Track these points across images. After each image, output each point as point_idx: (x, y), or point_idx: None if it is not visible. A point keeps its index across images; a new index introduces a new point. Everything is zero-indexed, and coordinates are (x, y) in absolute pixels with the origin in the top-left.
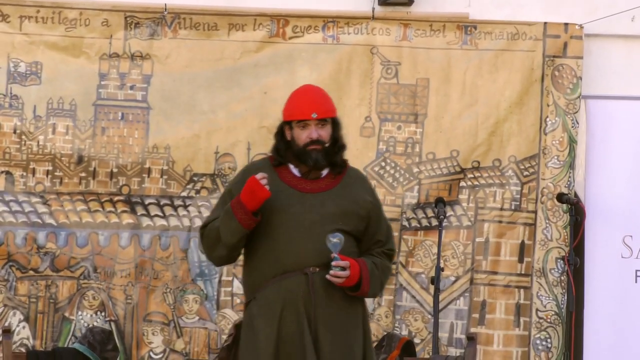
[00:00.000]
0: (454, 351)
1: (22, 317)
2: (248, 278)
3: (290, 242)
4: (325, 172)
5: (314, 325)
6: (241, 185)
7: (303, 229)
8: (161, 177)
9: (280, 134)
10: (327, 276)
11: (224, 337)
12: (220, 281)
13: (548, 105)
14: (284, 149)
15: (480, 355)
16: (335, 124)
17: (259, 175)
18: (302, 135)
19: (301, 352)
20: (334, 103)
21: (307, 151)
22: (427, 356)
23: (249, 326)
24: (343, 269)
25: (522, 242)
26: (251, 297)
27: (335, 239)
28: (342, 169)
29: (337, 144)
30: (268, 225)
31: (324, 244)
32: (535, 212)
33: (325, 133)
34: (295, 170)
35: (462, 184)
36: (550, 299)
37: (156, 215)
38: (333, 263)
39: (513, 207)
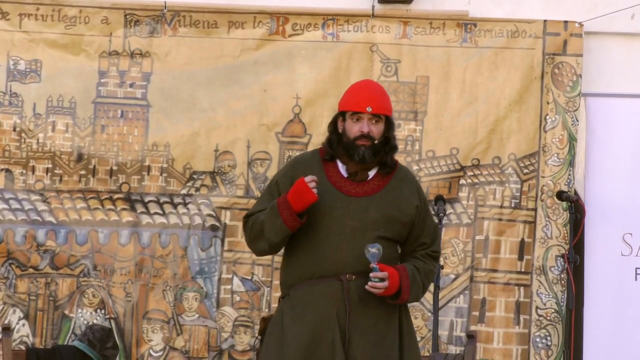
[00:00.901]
0: (453, 349)
1: (21, 315)
2: (285, 274)
3: (329, 247)
4: (372, 173)
5: (347, 333)
6: (287, 178)
7: (343, 234)
8: (161, 174)
9: (333, 125)
10: (366, 287)
11: (224, 334)
12: (220, 279)
13: (548, 103)
14: (336, 141)
15: (480, 353)
16: (389, 124)
17: (308, 178)
18: (354, 128)
19: (331, 358)
20: (390, 102)
21: (356, 145)
22: (427, 354)
23: (278, 322)
24: (382, 280)
25: (522, 240)
26: (285, 293)
27: (374, 249)
28: (391, 169)
29: (388, 144)
30: (310, 226)
31: (362, 251)
32: (535, 209)
33: (376, 130)
34: (342, 170)
35: (462, 181)
36: (550, 296)
37: (156, 213)
38: (371, 274)
39: (513, 205)
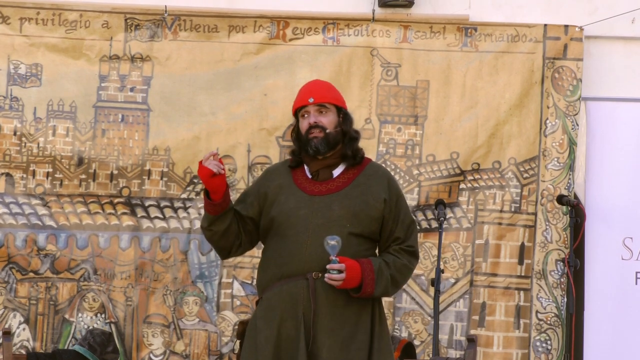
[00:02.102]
0: (453, 353)
1: (22, 319)
2: (258, 277)
3: (294, 246)
4: (338, 171)
5: (312, 330)
6: (255, 186)
7: (308, 232)
8: (161, 179)
9: (296, 133)
10: (325, 279)
11: (224, 339)
12: (220, 283)
13: (548, 107)
14: (298, 147)
15: (480, 357)
16: (344, 116)
17: (206, 155)
18: (304, 124)
19: (295, 357)
20: (339, 94)
21: (308, 139)
22: (427, 358)
23: (253, 326)
24: (339, 271)
25: (522, 244)
26: (259, 297)
27: (333, 242)
28: (356, 163)
29: (346, 136)
30: (278, 228)
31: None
32: (535, 214)
33: (325, 120)
34: (307, 171)
35: (462, 186)
36: (550, 300)
37: (156, 217)
38: (328, 266)
39: (513, 209)
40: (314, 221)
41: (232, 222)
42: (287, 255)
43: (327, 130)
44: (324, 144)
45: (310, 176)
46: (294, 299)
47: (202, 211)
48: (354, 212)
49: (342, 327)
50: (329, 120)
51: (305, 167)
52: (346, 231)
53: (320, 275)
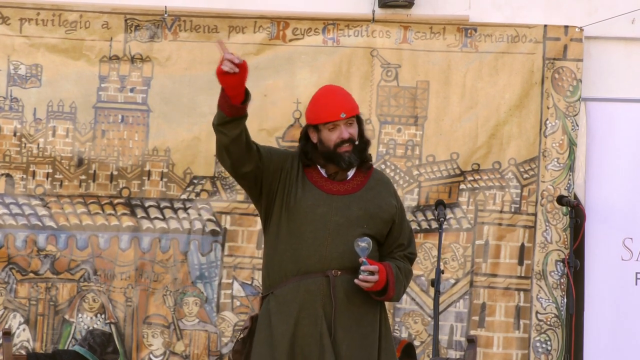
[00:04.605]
0: (453, 354)
1: (22, 320)
2: (268, 273)
3: (314, 243)
4: (351, 173)
5: (333, 328)
6: (281, 154)
7: (328, 230)
8: (161, 179)
9: (305, 137)
10: (356, 281)
11: (224, 339)
12: (220, 284)
13: (548, 108)
14: (312, 151)
15: (480, 357)
16: (360, 120)
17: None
18: (332, 137)
19: (319, 354)
20: (354, 99)
21: (339, 153)
22: (427, 358)
23: (265, 321)
24: (372, 273)
25: (522, 245)
26: (269, 292)
27: (364, 243)
28: (368, 168)
29: (362, 139)
30: (293, 223)
31: (347, 247)
32: (535, 214)
33: (354, 131)
34: (322, 171)
35: (462, 186)
36: (550, 301)
37: (156, 218)
38: (362, 267)
39: (513, 210)
40: (333, 219)
41: (244, 132)
42: (305, 251)
43: (356, 143)
44: (357, 157)
45: (326, 175)
46: (312, 295)
47: (202, 212)
48: (370, 214)
49: (358, 325)
50: (356, 130)
51: (318, 166)
52: (363, 232)
53: (339, 273)
